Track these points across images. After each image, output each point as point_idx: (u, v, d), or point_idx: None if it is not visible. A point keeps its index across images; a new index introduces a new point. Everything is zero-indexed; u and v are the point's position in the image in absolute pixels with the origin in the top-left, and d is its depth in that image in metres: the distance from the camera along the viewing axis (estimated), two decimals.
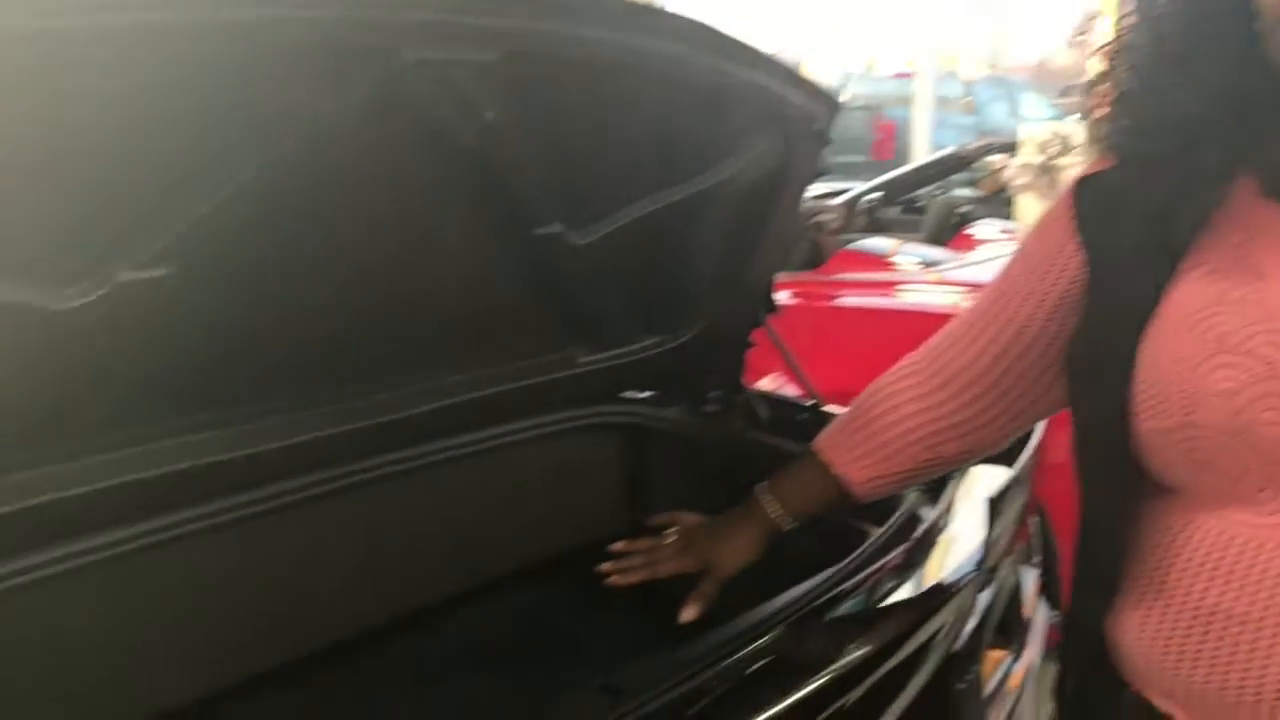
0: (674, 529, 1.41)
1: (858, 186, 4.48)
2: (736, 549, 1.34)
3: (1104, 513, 1.04)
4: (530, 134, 1.27)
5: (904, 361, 1.26)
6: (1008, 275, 1.14)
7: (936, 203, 4.71)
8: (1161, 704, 0.98)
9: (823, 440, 1.31)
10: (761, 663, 1.12)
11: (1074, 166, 3.76)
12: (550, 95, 1.26)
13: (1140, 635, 0.98)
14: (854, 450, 1.25)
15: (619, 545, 1.43)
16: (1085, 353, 1.04)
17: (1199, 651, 0.92)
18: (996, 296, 1.14)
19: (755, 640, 1.13)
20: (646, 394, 2.04)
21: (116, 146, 0.97)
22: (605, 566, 1.41)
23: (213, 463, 1.29)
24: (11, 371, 1.06)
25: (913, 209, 5.13)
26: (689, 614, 1.32)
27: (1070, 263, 1.05)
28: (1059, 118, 4.88)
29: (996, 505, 1.37)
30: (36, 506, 1.15)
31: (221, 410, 1.30)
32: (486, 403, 1.60)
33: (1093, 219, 1.03)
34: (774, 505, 1.32)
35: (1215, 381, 0.88)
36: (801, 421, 1.88)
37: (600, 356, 1.75)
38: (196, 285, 1.12)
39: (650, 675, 1.11)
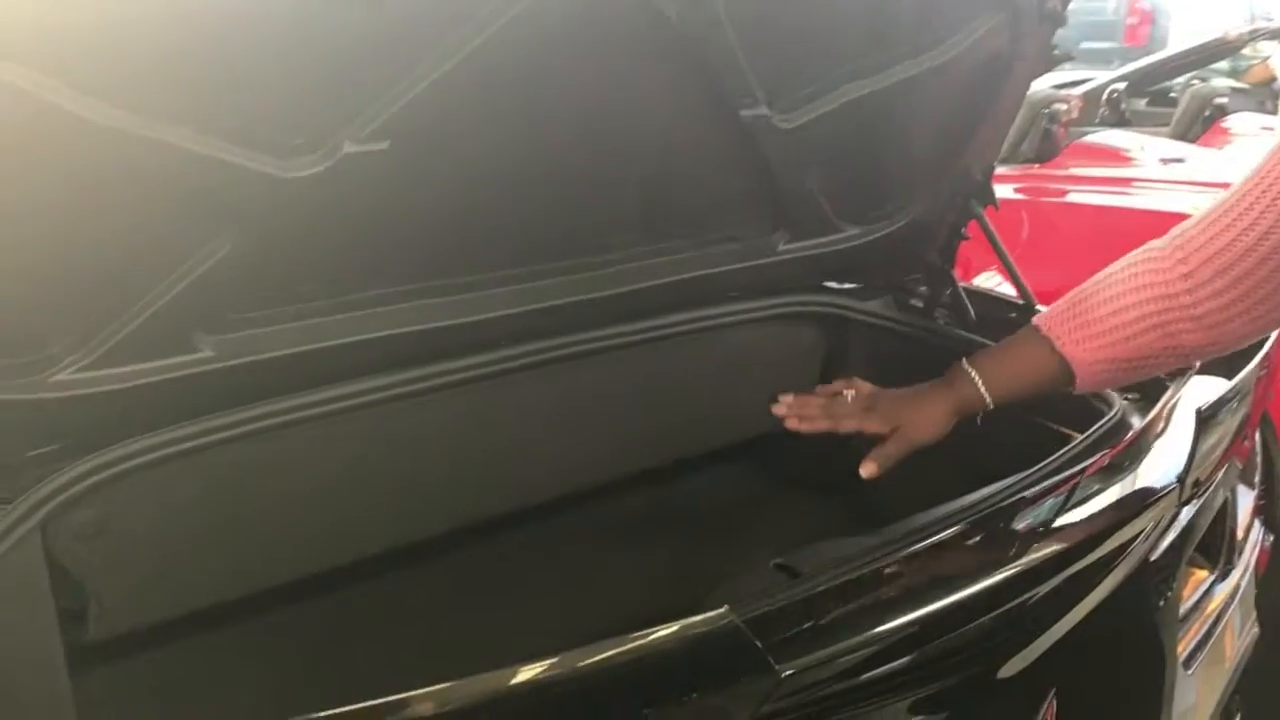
0: (851, 391, 1.40)
1: (1103, 75, 4.18)
2: (927, 418, 1.32)
3: None
4: (740, 11, 1.25)
5: (1148, 244, 1.19)
6: (1275, 159, 1.06)
7: (1189, 94, 4.33)
8: None
9: (1047, 317, 1.25)
10: (939, 558, 1.11)
11: None
12: None
13: None
14: (1084, 330, 1.20)
15: (789, 396, 1.43)
16: None
17: None
18: (1259, 181, 1.06)
19: (933, 535, 1.12)
20: (850, 285, 2.01)
21: (342, 32, 1.03)
22: (780, 409, 1.41)
23: (427, 329, 1.38)
24: (248, 233, 1.16)
25: (1164, 100, 4.75)
26: (867, 470, 1.31)
27: None
28: None
29: (1206, 417, 1.29)
30: (286, 358, 1.27)
31: (439, 279, 1.38)
32: (687, 285, 1.63)
33: None
34: (977, 381, 1.29)
35: None
36: (1012, 321, 1.82)
37: (802, 244, 1.73)
38: (413, 159, 1.18)
39: (825, 558, 1.13)
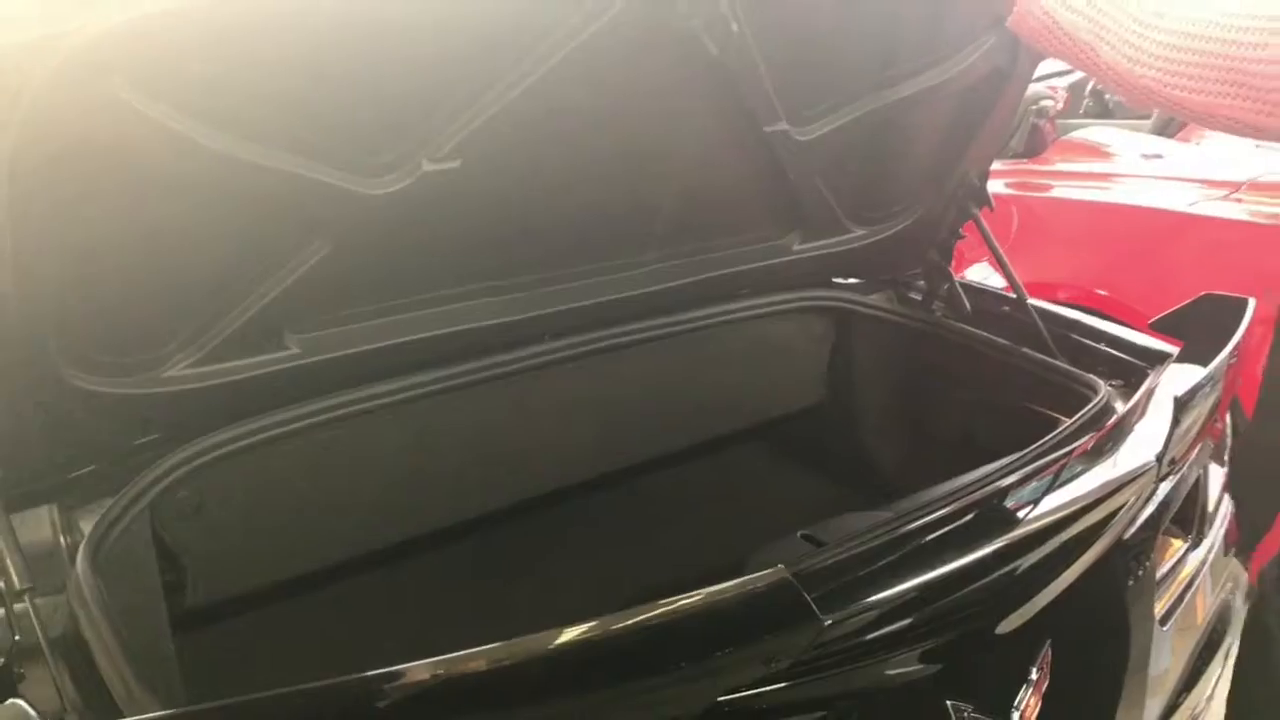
0: None
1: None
2: None
3: None
4: (767, 41, 1.40)
5: None
6: None
7: None
8: None
9: None
10: (946, 528, 1.26)
11: None
12: (788, 5, 1.39)
13: None
14: None
15: None
16: None
17: None
18: None
19: (940, 509, 1.27)
20: (855, 280, 2.16)
21: (420, 68, 1.18)
22: None
23: (487, 325, 1.54)
24: (336, 243, 1.30)
25: None
26: None
27: None
28: None
29: (1183, 402, 1.45)
30: (362, 353, 1.43)
31: (499, 280, 1.54)
32: (712, 283, 1.79)
33: None
34: None
35: None
36: (1002, 313, 1.97)
37: (815, 244, 1.89)
38: (481, 176, 1.33)
39: (846, 529, 1.29)
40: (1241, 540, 1.83)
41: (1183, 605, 1.59)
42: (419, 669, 0.88)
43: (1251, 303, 1.70)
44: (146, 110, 1.03)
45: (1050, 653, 1.29)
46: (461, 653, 0.89)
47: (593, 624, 0.91)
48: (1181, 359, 1.66)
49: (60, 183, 1.02)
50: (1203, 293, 1.75)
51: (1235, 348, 1.63)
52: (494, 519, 1.76)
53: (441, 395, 1.59)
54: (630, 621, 0.92)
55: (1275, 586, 1.35)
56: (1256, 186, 2.97)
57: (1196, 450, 1.57)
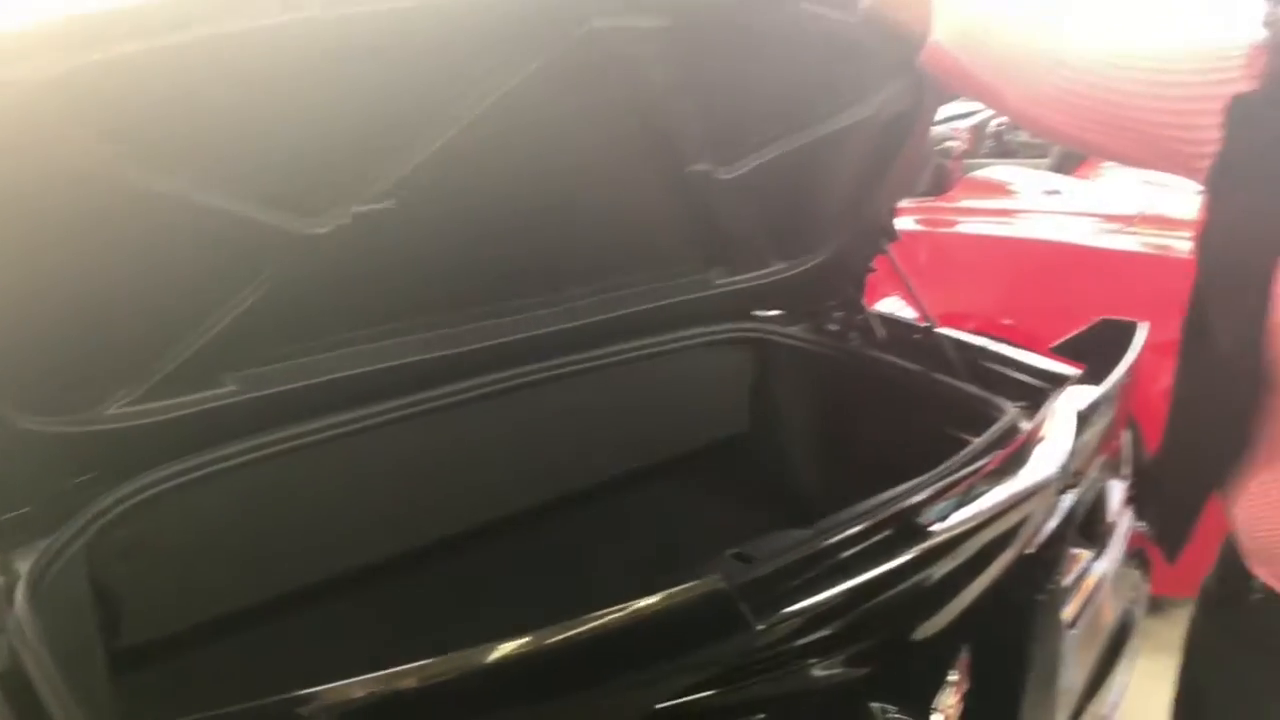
0: None
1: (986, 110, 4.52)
2: None
3: None
4: (689, 87, 1.48)
5: None
6: None
7: None
8: None
9: None
10: (865, 542, 1.33)
11: None
12: (709, 54, 1.48)
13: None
14: None
15: None
16: None
17: None
18: None
19: (859, 525, 1.34)
20: (774, 312, 2.25)
21: (356, 110, 1.23)
22: None
23: (425, 360, 1.58)
24: (273, 282, 1.34)
25: None
26: None
27: None
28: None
29: (1083, 417, 1.54)
30: (299, 390, 1.46)
31: (429, 317, 1.58)
32: (637, 317, 1.85)
33: None
34: None
35: None
36: (914, 342, 2.07)
37: (736, 279, 1.97)
38: (415, 216, 1.38)
39: (775, 548, 1.35)
40: (1156, 556, 1.94)
41: (1089, 612, 1.69)
42: (353, 686, 0.91)
43: (1144, 326, 1.82)
44: (87, 151, 1.06)
45: (968, 657, 1.37)
46: (393, 670, 0.92)
47: (528, 638, 0.96)
48: (1081, 380, 1.77)
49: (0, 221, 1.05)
50: (1099, 318, 1.87)
51: (1130, 368, 1.74)
52: (427, 553, 1.79)
53: (374, 430, 1.63)
54: (568, 633, 0.96)
55: (1209, 604, 1.43)
56: (1146, 219, 3.15)
57: (1097, 465, 1.67)
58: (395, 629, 1.76)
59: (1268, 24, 1.16)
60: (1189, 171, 1.22)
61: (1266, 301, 1.11)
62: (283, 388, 1.47)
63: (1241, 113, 1.15)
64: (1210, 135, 1.17)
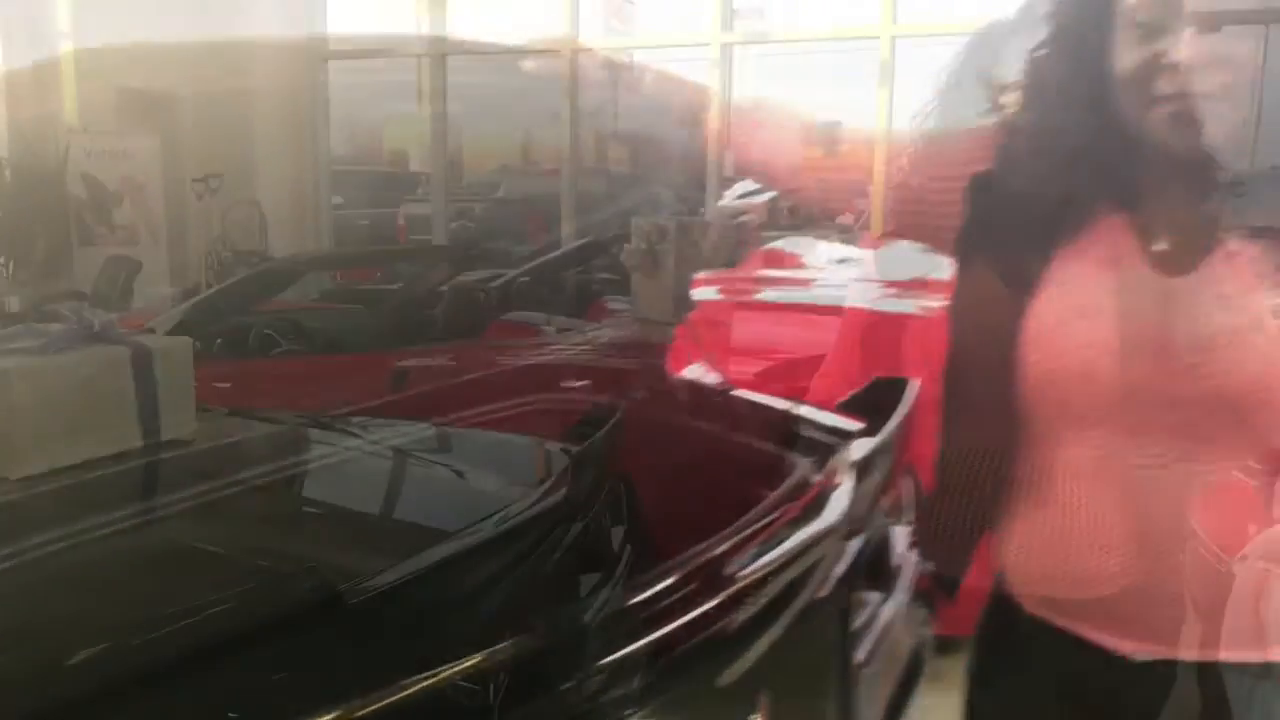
0: None
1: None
2: None
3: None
4: None
5: None
6: None
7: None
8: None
9: None
10: (668, 599, 1.39)
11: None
12: None
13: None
14: None
15: None
16: None
17: None
18: None
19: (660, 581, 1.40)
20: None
21: None
22: None
23: None
24: None
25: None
26: None
27: None
28: None
29: (861, 467, 1.67)
30: None
31: None
32: None
33: None
34: None
35: None
36: (714, 405, 2.19)
37: None
38: None
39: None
40: (938, 595, 2.08)
41: (880, 653, 1.80)
42: None
43: (913, 382, 1.99)
44: None
45: (769, 700, 1.44)
46: None
47: None
48: (861, 434, 1.91)
49: None
50: (874, 377, 2.03)
51: (903, 420, 1.89)
52: None
53: None
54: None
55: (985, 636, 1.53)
56: (921, 284, 3.41)
57: (879, 510, 1.80)
58: None
59: (995, 109, 1.34)
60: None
61: (1009, 351, 1.26)
62: None
63: (978, 186, 1.32)
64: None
